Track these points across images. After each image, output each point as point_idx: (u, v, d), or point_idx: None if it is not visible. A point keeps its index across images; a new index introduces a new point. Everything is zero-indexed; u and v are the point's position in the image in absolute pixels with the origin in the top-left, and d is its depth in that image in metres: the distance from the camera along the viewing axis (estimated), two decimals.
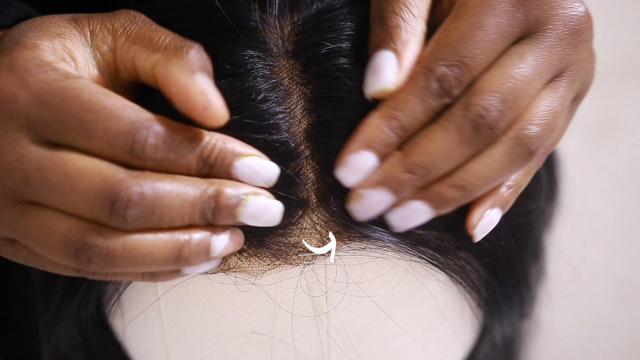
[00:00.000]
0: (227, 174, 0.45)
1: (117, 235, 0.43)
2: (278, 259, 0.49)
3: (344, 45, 0.50)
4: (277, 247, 0.48)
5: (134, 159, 0.43)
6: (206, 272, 0.49)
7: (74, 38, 0.47)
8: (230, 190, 0.45)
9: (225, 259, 0.49)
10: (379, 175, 0.47)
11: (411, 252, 0.49)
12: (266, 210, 0.46)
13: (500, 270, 0.55)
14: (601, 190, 1.10)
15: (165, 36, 0.46)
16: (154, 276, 0.47)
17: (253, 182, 0.45)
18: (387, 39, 0.47)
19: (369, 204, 0.47)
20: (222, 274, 0.49)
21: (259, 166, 0.46)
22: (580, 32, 0.49)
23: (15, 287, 0.62)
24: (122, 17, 0.48)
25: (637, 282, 1.10)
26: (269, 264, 0.49)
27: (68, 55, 0.46)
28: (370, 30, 0.49)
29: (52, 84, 0.43)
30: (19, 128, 0.43)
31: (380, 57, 0.47)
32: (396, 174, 0.46)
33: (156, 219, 0.43)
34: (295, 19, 0.51)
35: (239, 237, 0.47)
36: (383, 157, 0.47)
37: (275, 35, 0.51)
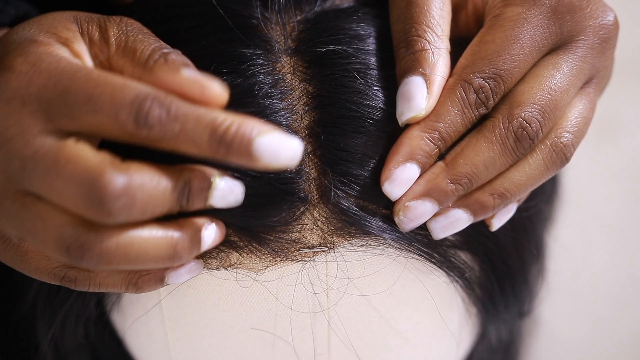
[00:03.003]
0: (246, 154, 0.42)
1: (110, 232, 0.43)
2: (279, 255, 0.49)
3: (348, 44, 0.50)
4: (278, 244, 0.49)
5: (138, 129, 0.42)
6: (208, 268, 0.50)
7: (80, 44, 0.48)
8: (201, 174, 0.45)
9: (226, 255, 0.49)
10: (424, 187, 0.48)
11: (410, 250, 0.50)
12: (232, 190, 0.46)
13: (498, 269, 0.55)
14: (601, 190, 1.10)
15: (147, 47, 0.46)
16: (138, 287, 0.47)
17: (276, 161, 0.42)
18: (415, 64, 0.48)
19: (415, 215, 0.48)
20: (223, 270, 0.50)
21: (281, 142, 0.42)
22: (609, 39, 0.51)
23: (13, 285, 0.62)
24: (116, 25, 0.48)
25: (638, 281, 1.10)
26: (270, 260, 0.49)
27: (77, 58, 0.47)
28: (395, 54, 0.50)
29: (65, 68, 0.44)
30: (31, 115, 0.43)
31: (410, 83, 0.48)
32: (442, 185, 0.48)
33: (139, 210, 0.42)
34: (299, 17, 0.52)
35: (222, 228, 0.48)
36: (425, 168, 0.48)
37: (278, 32, 0.51)
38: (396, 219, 0.49)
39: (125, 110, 0.42)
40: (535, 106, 0.48)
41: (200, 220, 0.46)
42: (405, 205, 0.48)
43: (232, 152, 0.42)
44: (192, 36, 0.51)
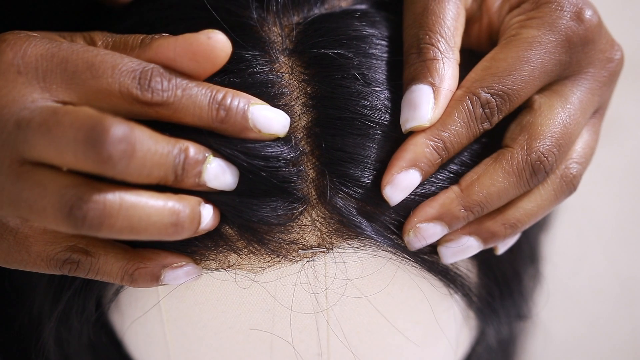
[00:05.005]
0: (243, 119, 0.46)
1: (113, 190, 0.42)
2: (278, 256, 0.49)
3: (348, 45, 0.50)
4: (277, 244, 0.48)
5: (142, 92, 0.43)
6: (207, 269, 0.49)
7: None
8: (196, 146, 0.45)
9: (225, 256, 0.49)
10: (437, 211, 0.48)
11: (405, 254, 0.50)
12: (226, 170, 0.46)
13: (492, 274, 0.56)
14: (601, 190, 1.10)
15: (137, 37, 0.47)
16: (133, 279, 0.47)
17: (269, 128, 0.46)
18: (424, 72, 0.48)
19: (424, 236, 0.49)
20: (222, 271, 0.49)
21: (272, 113, 0.47)
22: (615, 74, 0.52)
23: (12, 285, 0.62)
24: (100, 34, 0.49)
25: (637, 282, 1.10)
26: (268, 261, 0.49)
27: None
28: (405, 59, 0.50)
29: (62, 44, 0.44)
30: (27, 84, 0.43)
31: (417, 90, 0.48)
32: (455, 212, 0.48)
33: (138, 164, 0.42)
34: (297, 19, 0.51)
35: (217, 213, 0.47)
36: (426, 177, 0.48)
37: (276, 33, 0.51)
38: (405, 238, 0.49)
39: (129, 76, 0.43)
40: (553, 139, 0.48)
41: (198, 198, 0.46)
42: (417, 226, 0.48)
43: (230, 117, 0.45)
44: None
